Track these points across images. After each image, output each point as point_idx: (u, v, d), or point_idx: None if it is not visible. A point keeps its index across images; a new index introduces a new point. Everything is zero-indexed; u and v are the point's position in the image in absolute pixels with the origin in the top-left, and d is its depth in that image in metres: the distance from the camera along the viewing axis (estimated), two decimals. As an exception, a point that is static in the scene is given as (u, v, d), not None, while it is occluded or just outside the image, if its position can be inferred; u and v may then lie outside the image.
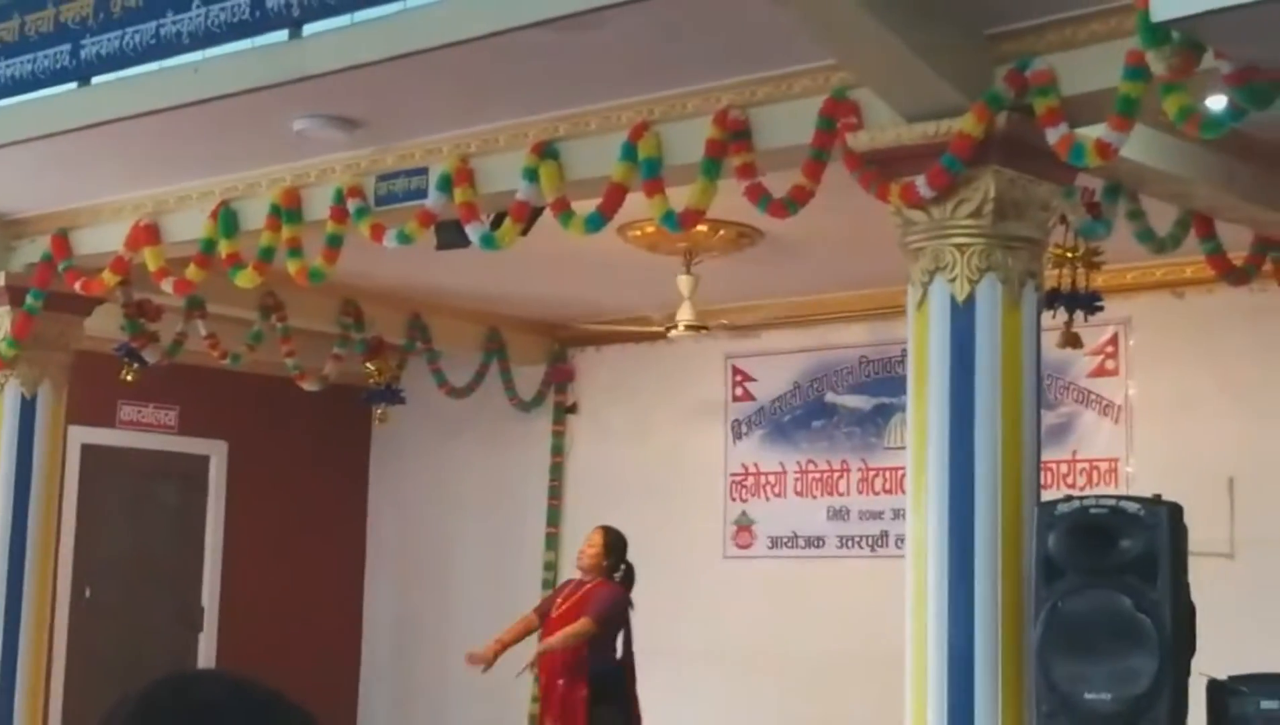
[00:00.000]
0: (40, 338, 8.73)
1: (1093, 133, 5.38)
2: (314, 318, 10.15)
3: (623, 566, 8.29)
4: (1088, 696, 5.08)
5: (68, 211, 8.39)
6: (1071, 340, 7.08)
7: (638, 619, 8.02)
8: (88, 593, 11.02)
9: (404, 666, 12.15)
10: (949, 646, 5.51)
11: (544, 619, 8.34)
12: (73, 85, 6.97)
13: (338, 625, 12.16)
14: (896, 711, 5.73)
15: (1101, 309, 7.12)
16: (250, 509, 11.78)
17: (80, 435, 10.65)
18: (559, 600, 8.33)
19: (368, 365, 10.82)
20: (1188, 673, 5.10)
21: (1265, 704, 4.98)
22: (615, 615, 8.19)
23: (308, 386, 10.32)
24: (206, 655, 11.40)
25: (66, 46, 6.89)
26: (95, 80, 6.90)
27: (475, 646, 8.33)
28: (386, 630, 12.41)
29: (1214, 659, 5.24)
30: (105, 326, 9.20)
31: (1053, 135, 5.40)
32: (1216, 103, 5.06)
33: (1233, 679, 5.10)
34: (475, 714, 11.06)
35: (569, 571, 11.44)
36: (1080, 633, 5.11)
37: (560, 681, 8.06)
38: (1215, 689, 5.09)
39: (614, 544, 8.22)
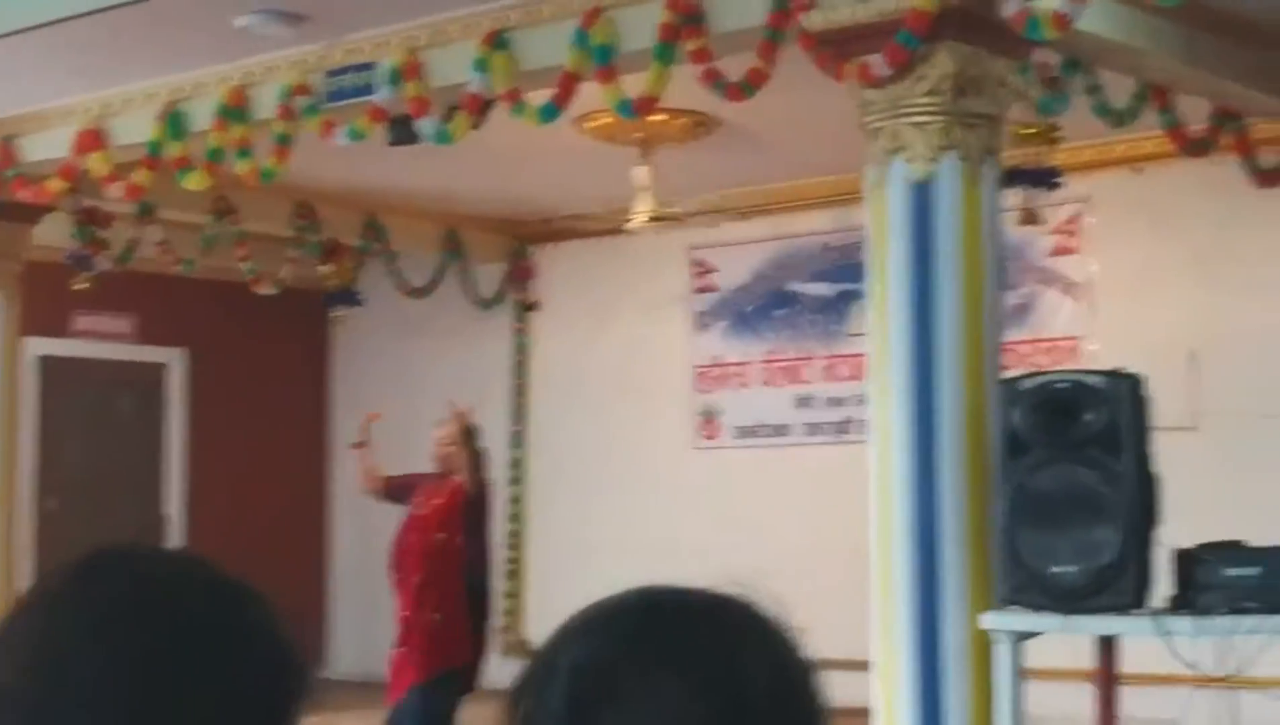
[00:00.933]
0: (-11, 247, 8.62)
1: (1049, 5, 5.31)
2: (268, 221, 10.04)
3: (479, 454, 8.04)
4: (1054, 569, 5.10)
5: (12, 118, 8.23)
6: (1030, 217, 7.06)
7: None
8: (52, 504, 10.96)
9: (371, 569, 12.13)
10: (915, 526, 5.52)
11: (393, 489, 8.21)
12: (10, -14, 6.82)
13: (304, 529, 12.15)
14: (864, 594, 5.75)
15: (1060, 185, 7.09)
16: (212, 416, 11.71)
17: (36, 347, 10.54)
18: (419, 498, 7.93)
19: (324, 268, 10.72)
20: (1152, 543, 5.13)
21: (1229, 571, 5.00)
22: (488, 493, 8.04)
23: (263, 290, 10.23)
24: (173, 563, 11.36)
25: (1, -54, 6.74)
26: (33, -20, 6.75)
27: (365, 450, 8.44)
28: (353, 533, 12.38)
29: (1180, 529, 5.26)
30: (55, 235, 9.08)
31: (1008, 8, 5.34)
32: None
33: (1199, 548, 5.12)
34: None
35: (536, 469, 11.47)
36: (1045, 507, 5.13)
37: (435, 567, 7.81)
38: (1181, 558, 5.12)
39: (469, 430, 7.98)
